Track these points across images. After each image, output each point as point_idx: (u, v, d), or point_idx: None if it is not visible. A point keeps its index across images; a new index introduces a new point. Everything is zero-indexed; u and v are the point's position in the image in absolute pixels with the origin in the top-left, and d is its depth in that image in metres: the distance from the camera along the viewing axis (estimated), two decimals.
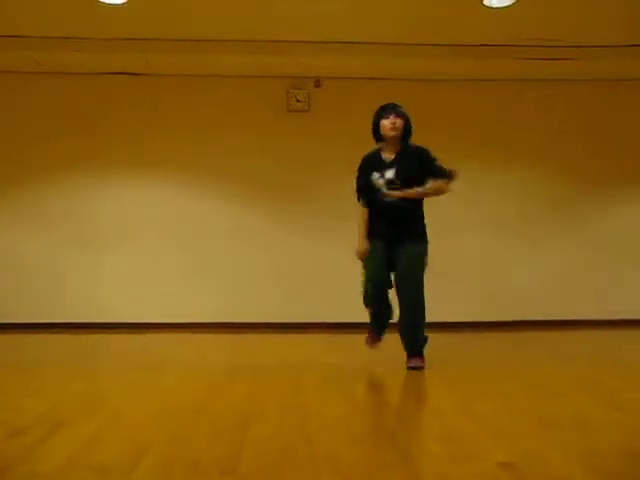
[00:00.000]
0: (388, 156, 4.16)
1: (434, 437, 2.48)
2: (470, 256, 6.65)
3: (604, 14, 5.30)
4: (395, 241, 4.10)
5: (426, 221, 4.23)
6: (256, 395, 3.30)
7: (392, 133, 4.10)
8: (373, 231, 4.19)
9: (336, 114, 6.63)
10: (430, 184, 4.10)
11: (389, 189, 4.07)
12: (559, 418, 2.80)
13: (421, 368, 4.04)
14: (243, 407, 3.01)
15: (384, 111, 4.16)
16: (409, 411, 3.18)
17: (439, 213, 6.57)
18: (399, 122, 4.10)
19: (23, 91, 6.61)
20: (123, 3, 5.09)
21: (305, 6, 5.19)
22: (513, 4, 5.09)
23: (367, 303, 4.22)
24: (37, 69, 6.44)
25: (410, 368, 4.03)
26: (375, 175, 4.12)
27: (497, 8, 5.16)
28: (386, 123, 4.11)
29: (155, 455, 2.20)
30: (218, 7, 5.22)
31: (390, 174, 4.09)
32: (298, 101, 6.69)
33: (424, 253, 4.15)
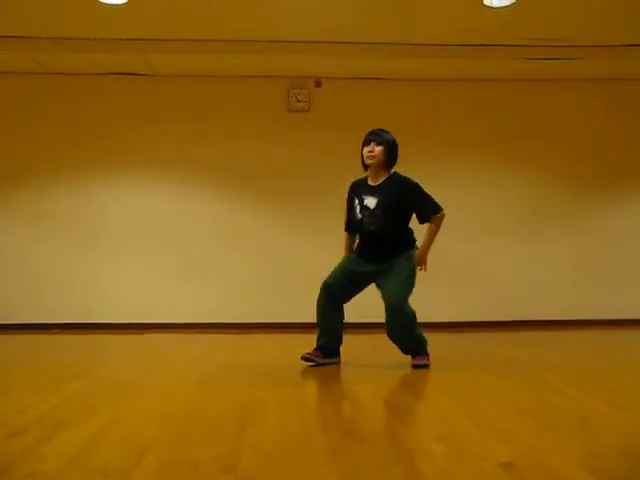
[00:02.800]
0: (372, 183, 4.15)
1: (435, 436, 2.48)
2: (470, 258, 6.64)
3: (604, 14, 5.30)
4: (377, 263, 4.09)
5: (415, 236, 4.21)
6: (255, 394, 3.30)
7: (369, 161, 4.09)
8: (357, 250, 4.23)
9: (337, 114, 6.63)
10: (428, 234, 4.09)
11: (366, 217, 4.08)
12: (560, 418, 2.80)
13: (426, 366, 4.04)
14: (243, 407, 3.01)
15: (365, 139, 4.13)
16: (410, 410, 3.18)
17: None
18: (377, 150, 4.06)
19: (24, 92, 6.61)
20: (124, 3, 5.09)
21: (306, 6, 5.19)
22: (513, 4, 5.09)
23: (317, 308, 4.20)
24: (38, 69, 6.44)
25: (414, 366, 4.04)
26: (355, 201, 4.15)
27: (497, 8, 5.15)
28: (364, 151, 4.10)
29: (155, 455, 2.20)
30: (219, 7, 5.22)
31: (371, 202, 4.08)
32: (299, 101, 6.69)
33: (408, 275, 4.08)
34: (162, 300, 6.57)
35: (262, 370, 4.09)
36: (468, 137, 6.76)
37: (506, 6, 5.13)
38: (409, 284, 4.05)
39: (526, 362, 4.42)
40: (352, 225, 4.23)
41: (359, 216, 4.11)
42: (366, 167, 4.16)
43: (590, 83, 6.76)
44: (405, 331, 4.03)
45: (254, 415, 2.83)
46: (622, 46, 5.93)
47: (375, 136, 4.11)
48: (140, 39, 5.84)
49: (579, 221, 6.86)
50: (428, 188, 6.43)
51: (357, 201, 4.14)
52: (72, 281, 6.55)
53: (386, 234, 4.07)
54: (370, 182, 4.16)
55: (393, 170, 4.17)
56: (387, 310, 3.99)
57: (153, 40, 5.87)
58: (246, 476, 2.00)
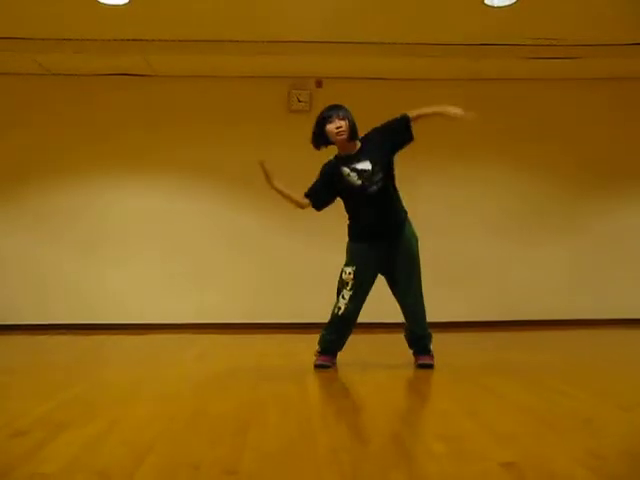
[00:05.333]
0: (351, 152, 4.00)
1: (437, 437, 2.47)
2: (470, 258, 6.65)
3: (605, 12, 5.30)
4: (383, 240, 4.00)
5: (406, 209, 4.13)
6: (257, 395, 3.29)
7: (340, 137, 3.94)
8: (358, 235, 4.07)
9: None
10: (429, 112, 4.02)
11: (366, 180, 3.92)
12: (561, 418, 2.79)
13: (431, 366, 4.02)
14: (244, 408, 3.01)
15: (326, 115, 4.00)
16: (411, 411, 3.17)
17: (437, 216, 6.63)
18: (345, 124, 3.94)
19: (25, 93, 6.62)
20: (124, 4, 5.09)
21: (306, 6, 5.19)
22: (514, 3, 5.09)
23: (335, 328, 4.09)
24: (38, 71, 6.45)
25: (420, 366, 4.02)
26: (345, 170, 3.96)
27: (498, 7, 5.15)
28: (331, 128, 3.95)
29: (157, 457, 2.20)
30: (219, 8, 5.22)
31: (366, 165, 3.94)
32: (300, 101, 6.69)
33: (417, 250, 4.06)
34: (164, 301, 6.57)
35: (263, 371, 4.09)
36: (470, 137, 6.75)
37: (507, 6, 5.13)
38: (419, 271, 4.06)
39: (528, 362, 4.41)
40: (320, 198, 4.12)
41: (358, 182, 3.94)
42: (324, 142, 4.04)
43: (592, 82, 6.75)
44: (423, 308, 4.06)
45: (256, 416, 2.82)
46: (623, 45, 5.93)
47: (337, 111, 3.99)
48: (141, 40, 5.85)
49: (581, 221, 6.86)
50: (430, 188, 6.43)
51: (348, 171, 3.96)
52: (74, 282, 6.56)
53: (386, 193, 3.97)
54: (349, 152, 4.01)
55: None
56: (410, 289, 4.02)
57: (154, 41, 5.88)
58: (248, 477, 2.00)
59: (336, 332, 4.11)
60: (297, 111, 6.66)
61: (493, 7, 5.15)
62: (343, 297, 4.05)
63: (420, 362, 4.05)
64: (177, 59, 6.17)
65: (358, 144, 4.04)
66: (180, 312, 6.56)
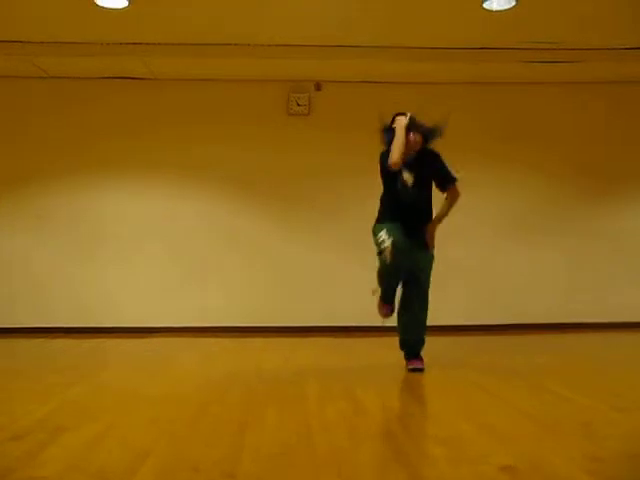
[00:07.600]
0: (409, 156, 4.10)
1: (435, 440, 2.47)
2: (469, 261, 6.63)
3: (604, 16, 5.30)
4: (413, 234, 4.04)
5: None
6: (255, 398, 3.29)
7: (413, 149, 4.12)
8: (393, 214, 4.09)
9: (337, 117, 6.63)
10: (446, 205, 4.27)
11: (405, 191, 4.07)
12: (560, 421, 2.79)
13: (422, 370, 4.06)
14: (243, 410, 3.01)
15: (412, 125, 4.12)
16: (410, 413, 3.17)
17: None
18: (420, 140, 4.13)
19: (23, 96, 6.62)
20: (123, 8, 5.10)
21: (306, 9, 5.20)
22: (513, 7, 5.10)
23: (385, 273, 4.06)
24: (38, 74, 6.45)
25: (412, 370, 4.06)
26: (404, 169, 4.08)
27: (497, 11, 5.16)
28: (411, 138, 4.09)
29: (156, 459, 2.20)
30: (218, 11, 5.22)
31: (409, 178, 4.08)
32: (299, 105, 6.69)
33: (431, 265, 4.19)
34: (163, 304, 6.56)
35: (262, 373, 4.09)
36: (468, 140, 6.75)
37: (506, 9, 5.14)
38: (429, 282, 4.19)
39: (526, 365, 4.41)
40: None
41: (409, 183, 4.09)
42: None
43: (591, 86, 6.76)
44: (424, 318, 4.14)
45: (254, 418, 2.82)
46: (622, 49, 5.94)
47: (416, 126, 4.14)
48: (140, 43, 5.85)
49: (579, 224, 6.85)
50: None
51: (405, 171, 4.08)
52: (73, 285, 6.55)
53: (425, 201, 4.17)
54: (408, 157, 4.11)
55: None
56: (416, 298, 4.11)
57: (153, 44, 5.87)
58: (246, 479, 2.00)
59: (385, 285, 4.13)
60: (296, 114, 6.67)
61: (492, 11, 5.16)
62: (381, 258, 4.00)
63: (411, 367, 4.11)
64: (176, 62, 6.17)
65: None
66: (180, 315, 6.55)
